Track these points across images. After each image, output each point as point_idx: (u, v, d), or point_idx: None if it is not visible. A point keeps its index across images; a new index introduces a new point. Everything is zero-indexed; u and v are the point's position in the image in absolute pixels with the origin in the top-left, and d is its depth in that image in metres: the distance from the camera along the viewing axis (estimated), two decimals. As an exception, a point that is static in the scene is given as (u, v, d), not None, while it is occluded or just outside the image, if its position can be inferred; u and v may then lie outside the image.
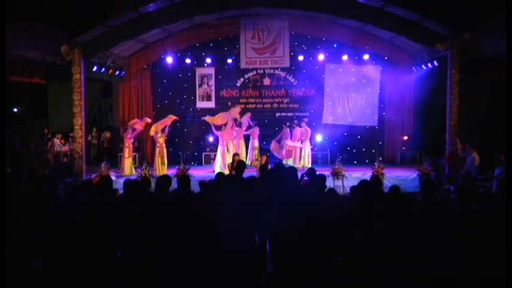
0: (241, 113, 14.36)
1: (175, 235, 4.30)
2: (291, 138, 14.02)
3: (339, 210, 5.08)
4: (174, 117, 13.37)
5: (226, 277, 4.19)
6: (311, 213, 4.67)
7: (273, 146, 13.81)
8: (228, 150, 13.14)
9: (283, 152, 13.79)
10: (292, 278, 4.16)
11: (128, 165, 12.94)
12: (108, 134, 16.20)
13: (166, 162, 12.93)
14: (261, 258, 4.40)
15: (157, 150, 12.96)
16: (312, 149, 14.70)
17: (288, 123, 14.49)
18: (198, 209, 4.64)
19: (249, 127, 14.58)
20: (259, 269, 4.44)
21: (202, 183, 6.07)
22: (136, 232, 4.36)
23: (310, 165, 13.12)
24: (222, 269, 4.18)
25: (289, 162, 13.47)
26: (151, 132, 13.12)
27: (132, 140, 13.27)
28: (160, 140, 12.97)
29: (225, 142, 13.18)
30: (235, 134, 13.85)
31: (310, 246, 4.22)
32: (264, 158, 11.00)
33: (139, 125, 13.29)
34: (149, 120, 13.74)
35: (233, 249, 4.26)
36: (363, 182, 5.82)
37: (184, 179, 5.94)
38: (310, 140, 14.39)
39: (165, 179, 5.82)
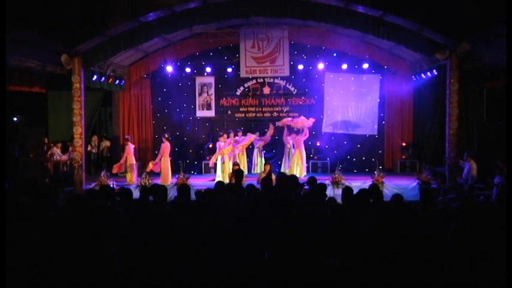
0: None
1: (172, 242, 4.29)
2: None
3: (339, 218, 5.07)
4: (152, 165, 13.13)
5: (224, 282, 4.17)
6: (311, 221, 4.66)
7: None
8: (222, 159, 13.08)
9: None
10: (291, 284, 4.14)
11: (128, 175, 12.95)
12: (107, 143, 16.17)
13: (164, 172, 12.80)
14: (259, 263, 4.38)
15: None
16: (311, 157, 14.73)
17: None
18: (193, 217, 4.63)
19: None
20: (257, 274, 4.42)
21: (198, 193, 6.07)
22: (134, 239, 4.35)
23: (299, 175, 13.09)
24: (220, 274, 4.16)
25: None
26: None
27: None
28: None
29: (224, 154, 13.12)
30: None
31: (309, 252, 4.21)
32: (268, 167, 10.96)
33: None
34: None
35: (231, 255, 4.24)
36: (360, 192, 5.81)
37: (184, 188, 5.95)
38: (308, 149, 14.41)
39: (159, 187, 5.90)
